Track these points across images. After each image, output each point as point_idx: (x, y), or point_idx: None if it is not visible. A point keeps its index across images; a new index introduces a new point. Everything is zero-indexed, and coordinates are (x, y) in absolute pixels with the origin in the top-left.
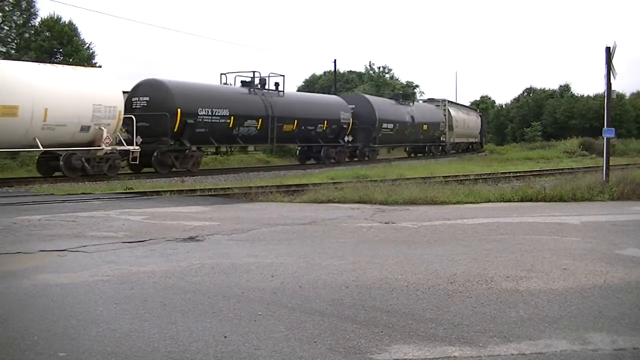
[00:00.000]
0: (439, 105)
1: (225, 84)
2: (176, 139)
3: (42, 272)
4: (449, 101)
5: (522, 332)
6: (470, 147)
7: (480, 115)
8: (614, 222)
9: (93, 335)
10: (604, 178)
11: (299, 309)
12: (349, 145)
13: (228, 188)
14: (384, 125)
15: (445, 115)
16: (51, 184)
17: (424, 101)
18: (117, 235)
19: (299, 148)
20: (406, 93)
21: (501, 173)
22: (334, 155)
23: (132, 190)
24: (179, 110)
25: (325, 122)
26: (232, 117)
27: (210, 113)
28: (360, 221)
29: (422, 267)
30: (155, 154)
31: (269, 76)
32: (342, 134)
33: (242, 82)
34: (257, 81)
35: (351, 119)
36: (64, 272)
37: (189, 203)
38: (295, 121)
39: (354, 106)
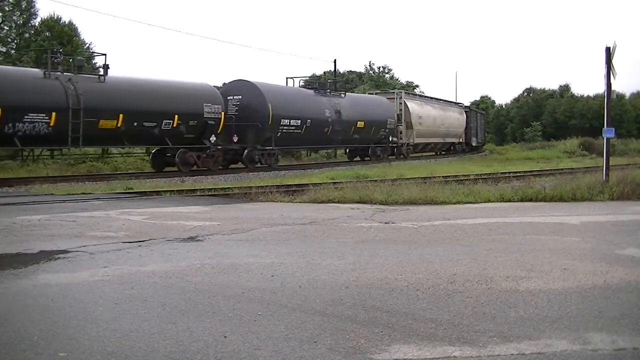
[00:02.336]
0: (393, 98)
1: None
2: None
3: (42, 272)
4: (407, 92)
5: (522, 332)
6: (452, 148)
7: (466, 112)
8: (614, 222)
9: (93, 335)
10: (604, 178)
11: (299, 309)
12: (220, 147)
13: (228, 188)
14: (284, 121)
15: (401, 110)
16: (51, 184)
17: (376, 93)
18: (117, 235)
19: (152, 151)
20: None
21: (501, 173)
22: (195, 161)
23: (132, 190)
24: None
25: (176, 117)
26: None
27: None
28: (360, 221)
29: (422, 267)
30: None
31: (74, 55)
32: (207, 133)
33: (39, 63)
34: (76, 63)
35: (223, 113)
36: (64, 272)
37: (189, 203)
38: (121, 115)
39: (240, 97)
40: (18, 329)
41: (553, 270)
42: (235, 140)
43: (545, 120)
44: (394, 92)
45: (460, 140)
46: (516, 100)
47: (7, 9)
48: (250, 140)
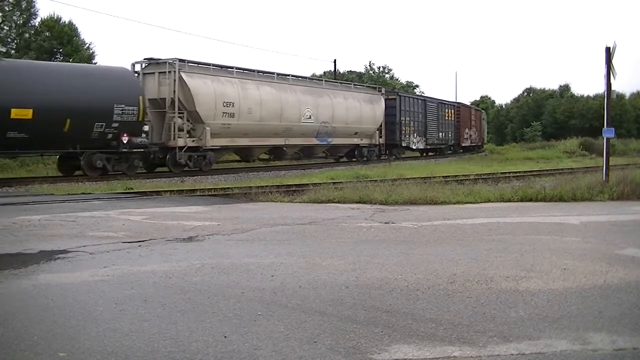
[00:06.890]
0: (164, 72)
1: None
2: None
3: (42, 272)
4: (190, 63)
5: (522, 332)
6: (356, 152)
7: (390, 99)
8: (614, 222)
9: (93, 335)
10: (604, 178)
11: (299, 309)
12: None
13: (228, 188)
14: None
15: (175, 91)
16: (51, 184)
17: (145, 66)
18: (117, 235)
19: None
20: None
21: (501, 173)
22: None
23: (132, 190)
24: None
25: None
26: None
27: None
28: (360, 221)
29: (422, 267)
30: None
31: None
32: None
33: None
34: None
35: None
36: (64, 272)
37: (189, 203)
38: None
39: None
40: (18, 329)
41: (553, 270)
42: None
43: (545, 120)
44: (165, 64)
45: (373, 142)
46: (516, 100)
47: (7, 9)
48: None
